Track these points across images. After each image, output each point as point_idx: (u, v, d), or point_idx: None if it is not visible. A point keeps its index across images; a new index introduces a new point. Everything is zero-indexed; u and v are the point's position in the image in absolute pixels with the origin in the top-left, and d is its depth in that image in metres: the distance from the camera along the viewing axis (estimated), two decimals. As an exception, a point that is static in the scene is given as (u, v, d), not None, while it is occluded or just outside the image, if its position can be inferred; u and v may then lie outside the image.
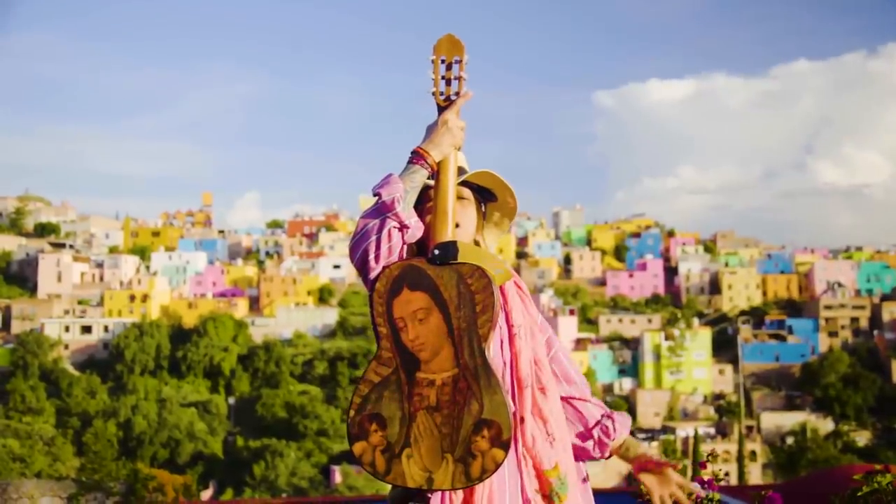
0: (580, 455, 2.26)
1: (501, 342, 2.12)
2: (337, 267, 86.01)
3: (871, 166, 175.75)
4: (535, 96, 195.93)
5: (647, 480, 2.23)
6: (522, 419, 2.08)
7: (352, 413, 1.96)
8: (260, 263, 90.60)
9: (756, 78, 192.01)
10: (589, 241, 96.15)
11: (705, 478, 2.69)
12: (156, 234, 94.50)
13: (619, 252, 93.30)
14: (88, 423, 56.19)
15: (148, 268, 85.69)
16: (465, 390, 1.93)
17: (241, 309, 78.60)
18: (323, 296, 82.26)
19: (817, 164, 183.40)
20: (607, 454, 2.25)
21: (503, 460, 1.90)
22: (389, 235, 1.99)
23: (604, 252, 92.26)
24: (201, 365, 68.40)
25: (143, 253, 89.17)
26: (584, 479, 2.24)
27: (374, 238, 1.99)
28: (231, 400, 66.48)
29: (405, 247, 2.05)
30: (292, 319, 76.54)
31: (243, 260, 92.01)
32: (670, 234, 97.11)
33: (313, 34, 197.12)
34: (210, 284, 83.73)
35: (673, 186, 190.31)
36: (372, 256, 2.00)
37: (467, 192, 2.23)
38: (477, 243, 2.25)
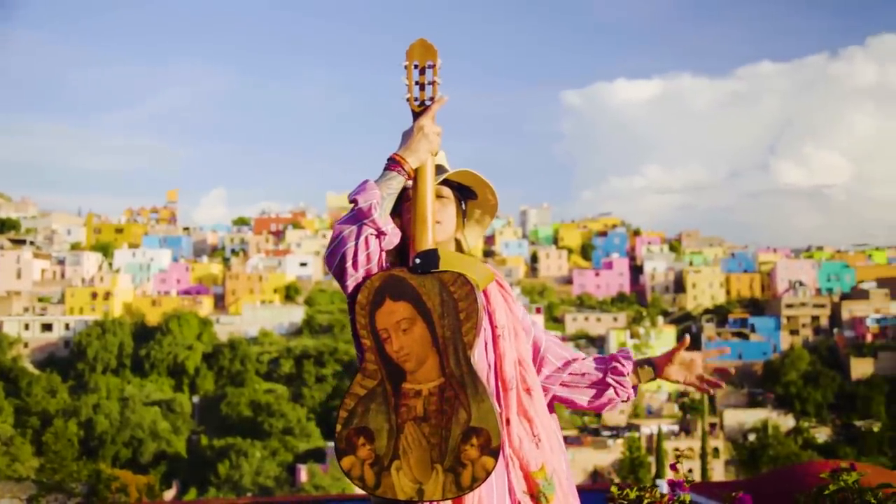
0: (606, 406, 2.33)
1: (486, 344, 2.13)
2: (304, 265, 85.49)
3: (832, 167, 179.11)
4: (503, 95, 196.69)
5: (675, 373, 2.31)
6: (508, 421, 2.09)
7: (338, 428, 1.94)
8: (225, 261, 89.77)
9: (721, 79, 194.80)
10: (556, 240, 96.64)
11: (676, 479, 2.71)
12: (119, 230, 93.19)
13: (586, 251, 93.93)
14: (48, 422, 55.19)
15: (111, 265, 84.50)
16: (452, 399, 1.92)
17: (206, 307, 77.83)
18: (289, 294, 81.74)
19: (780, 165, 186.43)
20: (631, 390, 2.31)
21: (493, 468, 1.90)
22: (367, 242, 1.98)
23: (570, 251, 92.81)
24: (165, 363, 67.60)
25: (105, 250, 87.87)
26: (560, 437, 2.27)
27: (351, 245, 1.98)
28: (195, 398, 65.80)
29: (383, 253, 2.04)
30: (258, 317, 75.95)
31: (208, 257, 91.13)
32: (636, 233, 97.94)
33: (281, 32, 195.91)
34: (174, 282, 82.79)
35: (639, 186, 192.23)
36: (349, 263, 1.99)
37: (447, 191, 2.23)
38: (458, 241, 2.26)
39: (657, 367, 2.32)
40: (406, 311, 1.96)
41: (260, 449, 56.04)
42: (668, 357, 2.31)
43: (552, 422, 2.23)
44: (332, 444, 55.20)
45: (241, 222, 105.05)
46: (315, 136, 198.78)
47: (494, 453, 1.89)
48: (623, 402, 2.31)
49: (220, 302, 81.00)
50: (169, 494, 52.01)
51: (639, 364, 2.32)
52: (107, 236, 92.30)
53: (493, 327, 2.15)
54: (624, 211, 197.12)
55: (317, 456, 55.98)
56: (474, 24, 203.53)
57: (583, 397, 2.31)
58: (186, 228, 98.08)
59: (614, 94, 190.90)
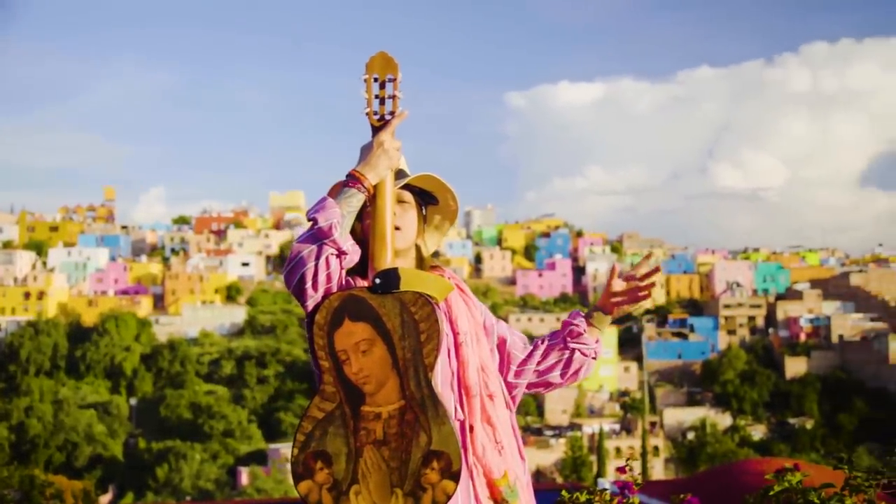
0: (580, 372, 2.34)
1: (448, 351, 2.12)
2: (245, 265, 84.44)
3: (768, 171, 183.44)
4: (448, 95, 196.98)
5: (622, 301, 2.33)
6: (472, 428, 2.08)
7: (295, 452, 1.90)
8: (165, 260, 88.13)
9: (662, 82, 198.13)
10: (499, 241, 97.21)
11: (624, 481, 2.74)
12: (54, 228, 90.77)
13: (529, 252, 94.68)
14: (-22, 426, 53.52)
15: (45, 264, 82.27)
16: (412, 422, 1.90)
17: (144, 307, 76.33)
18: (231, 294, 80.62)
19: (718, 168, 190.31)
20: (595, 345, 2.34)
21: (454, 492, 1.89)
22: (327, 263, 1.95)
23: (514, 251, 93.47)
24: (101, 365, 66.08)
25: (39, 248, 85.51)
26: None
27: (311, 265, 1.94)
28: (133, 401, 64.44)
29: (343, 272, 2.01)
30: (199, 318, 74.71)
31: (147, 256, 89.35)
32: (579, 234, 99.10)
33: (223, 28, 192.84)
34: (112, 282, 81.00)
35: (582, 187, 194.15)
36: (309, 284, 1.95)
37: (408, 196, 2.22)
38: (418, 247, 2.25)
39: (604, 307, 2.34)
40: (365, 333, 1.93)
41: (200, 451, 55.14)
42: (607, 292, 2.34)
43: (513, 427, 2.23)
44: (273, 445, 54.75)
45: (181, 221, 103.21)
46: (258, 135, 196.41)
47: (455, 477, 1.88)
48: (593, 359, 2.33)
49: (159, 302, 79.53)
50: (105, 499, 50.82)
51: (589, 316, 2.34)
52: (41, 234, 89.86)
53: (455, 334, 2.14)
54: (567, 212, 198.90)
55: (258, 458, 55.29)
56: (418, 22, 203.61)
57: (555, 374, 2.33)
58: (125, 227, 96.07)
59: (558, 97, 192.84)
